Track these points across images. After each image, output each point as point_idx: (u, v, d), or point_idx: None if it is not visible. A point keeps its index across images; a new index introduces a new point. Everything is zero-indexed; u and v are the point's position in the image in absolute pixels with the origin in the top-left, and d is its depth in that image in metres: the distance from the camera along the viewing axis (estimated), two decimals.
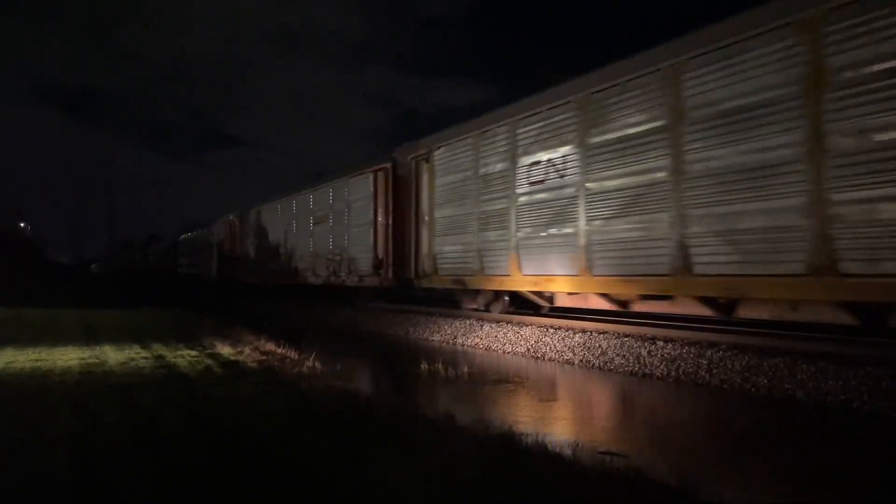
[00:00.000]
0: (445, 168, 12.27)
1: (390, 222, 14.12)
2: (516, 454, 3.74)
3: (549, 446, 4.03)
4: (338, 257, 16.26)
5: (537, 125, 9.84)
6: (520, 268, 10.19)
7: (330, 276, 16.69)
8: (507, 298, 11.60)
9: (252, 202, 24.66)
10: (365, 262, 14.88)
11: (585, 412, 6.14)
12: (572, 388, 7.17)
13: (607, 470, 3.47)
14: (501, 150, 10.62)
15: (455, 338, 10.78)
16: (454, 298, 13.04)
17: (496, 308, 11.80)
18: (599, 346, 8.23)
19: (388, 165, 14.25)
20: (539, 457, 3.72)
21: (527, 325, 9.97)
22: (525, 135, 10.10)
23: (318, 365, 7.67)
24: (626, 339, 8.09)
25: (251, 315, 17.12)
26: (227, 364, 7.29)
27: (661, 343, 7.62)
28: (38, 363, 7.24)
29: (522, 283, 10.27)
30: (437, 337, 11.23)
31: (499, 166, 10.67)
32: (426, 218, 12.90)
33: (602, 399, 6.74)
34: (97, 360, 7.48)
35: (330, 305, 16.82)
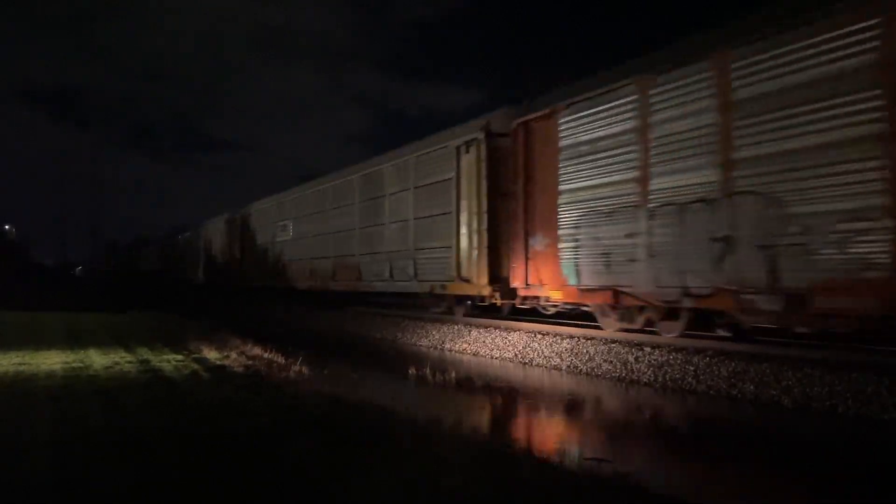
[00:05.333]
0: (259, 220, 22.86)
1: (236, 247, 24.90)
2: (503, 458, 3.74)
3: (536, 451, 4.04)
4: (227, 266, 26.19)
5: (289, 203, 20.18)
6: (293, 278, 19.40)
7: (226, 279, 26.23)
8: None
9: (188, 223, 35.31)
10: (232, 270, 25.22)
11: (572, 418, 6.15)
12: (559, 394, 7.18)
13: (593, 475, 3.48)
14: (283, 212, 20.57)
15: (443, 343, 10.77)
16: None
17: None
18: (587, 351, 8.25)
19: (238, 216, 24.86)
20: (525, 461, 3.72)
21: (514, 331, 9.97)
22: (286, 206, 20.29)
23: (304, 370, 7.64)
24: (613, 344, 8.12)
25: (234, 317, 17.03)
26: (214, 369, 7.24)
27: (648, 349, 7.65)
28: (22, 367, 7.15)
29: (296, 286, 19.20)
30: (424, 342, 11.22)
31: (280, 223, 20.67)
32: (253, 247, 23.17)
33: (589, 405, 6.75)
34: (81, 365, 7.40)
35: (316, 308, 16.87)
